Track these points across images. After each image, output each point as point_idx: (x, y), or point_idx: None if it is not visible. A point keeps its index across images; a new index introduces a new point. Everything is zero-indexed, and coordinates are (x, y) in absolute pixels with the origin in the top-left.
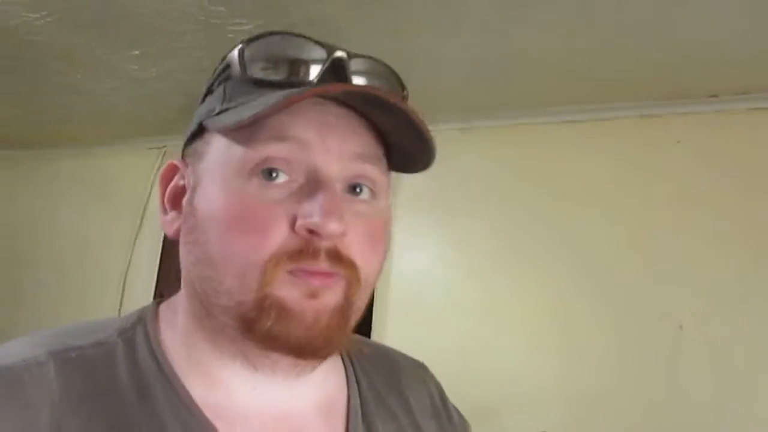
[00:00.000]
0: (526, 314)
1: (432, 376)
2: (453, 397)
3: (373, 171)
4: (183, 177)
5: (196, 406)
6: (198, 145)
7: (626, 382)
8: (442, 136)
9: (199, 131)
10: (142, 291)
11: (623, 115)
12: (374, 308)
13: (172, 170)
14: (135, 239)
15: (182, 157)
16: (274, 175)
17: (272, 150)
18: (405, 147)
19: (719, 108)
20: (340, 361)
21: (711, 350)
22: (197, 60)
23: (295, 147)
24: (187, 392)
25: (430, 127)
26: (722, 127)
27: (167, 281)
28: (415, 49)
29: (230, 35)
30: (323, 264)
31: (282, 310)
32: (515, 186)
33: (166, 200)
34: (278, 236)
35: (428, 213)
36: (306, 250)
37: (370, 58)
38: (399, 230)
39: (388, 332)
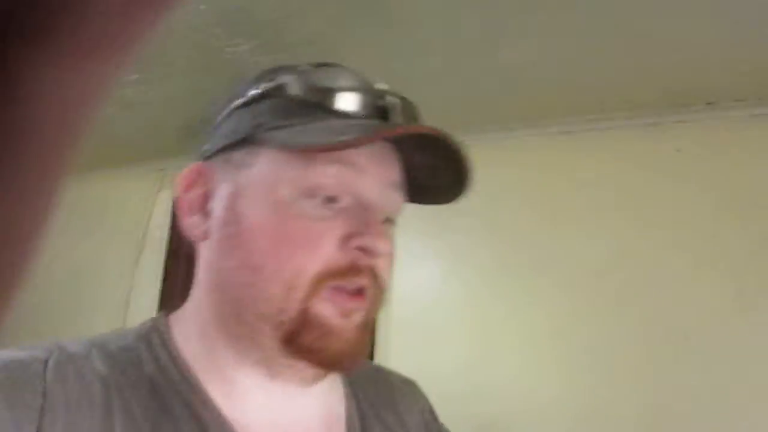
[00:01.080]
0: (526, 332)
1: (422, 393)
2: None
3: (399, 199)
4: (210, 181)
5: (216, 407)
6: (239, 154)
7: (630, 396)
8: None
9: (241, 141)
10: (144, 316)
11: (621, 125)
12: (377, 329)
13: (196, 174)
14: (137, 264)
15: (205, 160)
16: (326, 195)
17: (327, 171)
18: (436, 182)
19: (717, 115)
20: (339, 377)
21: (716, 362)
22: (195, 82)
23: (347, 171)
24: (207, 394)
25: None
26: (720, 134)
27: (170, 305)
28: (409, 67)
29: (227, 57)
30: (365, 280)
31: (324, 326)
32: (511, 202)
33: (188, 204)
34: (326, 253)
35: (427, 232)
36: (352, 267)
37: (402, 98)
38: (399, 250)
39: (392, 353)
